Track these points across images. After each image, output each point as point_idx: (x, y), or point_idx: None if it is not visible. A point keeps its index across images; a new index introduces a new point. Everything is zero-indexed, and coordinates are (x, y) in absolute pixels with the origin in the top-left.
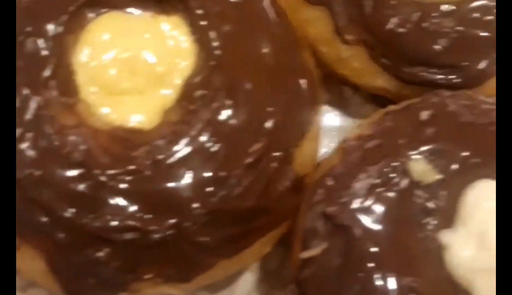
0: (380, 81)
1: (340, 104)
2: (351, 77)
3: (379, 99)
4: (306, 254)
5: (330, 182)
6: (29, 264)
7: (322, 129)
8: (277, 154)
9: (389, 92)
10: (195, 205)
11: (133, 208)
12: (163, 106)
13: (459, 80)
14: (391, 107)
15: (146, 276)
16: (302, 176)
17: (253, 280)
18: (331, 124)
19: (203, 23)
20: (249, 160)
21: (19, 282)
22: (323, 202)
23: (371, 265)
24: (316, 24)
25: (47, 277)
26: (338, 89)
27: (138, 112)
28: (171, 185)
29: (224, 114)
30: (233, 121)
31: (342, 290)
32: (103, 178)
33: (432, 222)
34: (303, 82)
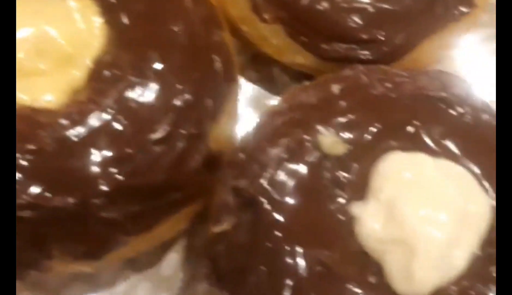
0: (299, 58)
1: (269, 83)
2: (274, 55)
3: (306, 77)
4: (217, 229)
5: (241, 157)
6: None
7: (251, 107)
8: (187, 130)
9: (310, 69)
10: (99, 181)
11: (35, 186)
12: (71, 87)
13: (375, 55)
14: (306, 83)
15: (55, 254)
16: (218, 152)
17: (178, 259)
18: (261, 102)
19: (113, 1)
20: (156, 136)
21: None
22: (234, 177)
23: (278, 235)
24: (235, 3)
25: None
26: (266, 68)
27: (47, 92)
28: (75, 162)
29: (132, 93)
30: (141, 100)
31: (252, 263)
32: None
33: (343, 194)
34: (217, 59)
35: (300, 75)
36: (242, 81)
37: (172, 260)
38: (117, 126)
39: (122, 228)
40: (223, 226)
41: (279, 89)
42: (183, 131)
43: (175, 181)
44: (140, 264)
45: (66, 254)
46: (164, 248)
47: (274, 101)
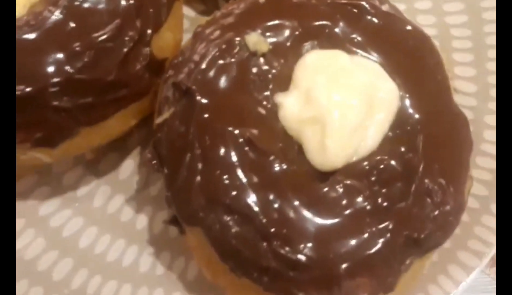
0: None
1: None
2: None
3: None
4: (159, 120)
5: (179, 59)
6: None
7: None
8: (131, 35)
9: None
10: (52, 73)
11: None
12: (30, 2)
13: None
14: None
15: (17, 139)
16: (161, 59)
17: (134, 165)
18: None
19: None
20: (102, 37)
21: None
22: (173, 76)
23: (207, 116)
24: None
25: None
26: (213, 1)
27: None
28: (32, 58)
29: (80, 1)
30: (88, 6)
31: (187, 143)
32: None
33: (268, 86)
34: None
35: None
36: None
37: (129, 166)
38: (68, 28)
39: (74, 117)
40: (164, 116)
41: None
42: (127, 35)
43: (122, 78)
44: (100, 170)
45: (26, 141)
46: (121, 155)
47: None
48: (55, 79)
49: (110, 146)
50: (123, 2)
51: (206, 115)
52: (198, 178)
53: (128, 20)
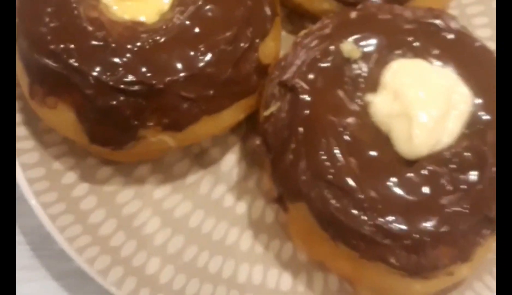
0: (326, 4)
1: (290, 28)
2: (305, 4)
3: None
4: (266, 112)
5: (283, 63)
6: (62, 118)
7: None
8: (244, 40)
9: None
10: (181, 68)
11: (139, 68)
12: (160, 10)
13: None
14: (330, 14)
15: (149, 123)
16: (265, 64)
17: (235, 158)
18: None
19: None
20: (222, 40)
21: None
22: (278, 76)
23: (308, 108)
24: None
25: (76, 128)
26: (300, 22)
27: (142, 13)
28: (164, 54)
29: (204, 10)
30: (210, 14)
31: (291, 133)
32: (118, 48)
33: (360, 87)
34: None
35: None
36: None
37: (230, 160)
38: (194, 32)
39: (198, 106)
40: (271, 109)
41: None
42: (241, 41)
43: (235, 76)
44: (205, 162)
45: (157, 124)
46: (223, 150)
47: None
48: (184, 74)
49: (214, 141)
50: (238, 14)
51: (308, 108)
52: (303, 160)
53: (242, 29)
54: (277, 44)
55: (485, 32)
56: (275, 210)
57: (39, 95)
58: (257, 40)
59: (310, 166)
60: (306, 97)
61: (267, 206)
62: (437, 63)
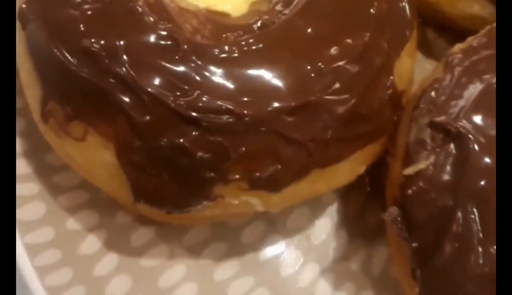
0: (476, 7)
1: (423, 46)
2: (444, 6)
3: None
4: (410, 169)
5: (434, 94)
6: (93, 158)
7: None
8: (379, 56)
9: (484, 23)
10: (288, 95)
11: (228, 88)
12: None
13: None
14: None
15: (232, 177)
16: (401, 91)
17: (331, 225)
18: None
19: None
20: (350, 54)
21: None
22: (429, 113)
23: (484, 178)
24: None
25: (113, 176)
26: (421, 31)
27: (226, 1)
28: (264, 70)
29: (320, 2)
30: (333, 9)
31: (456, 206)
32: (191, 53)
33: None
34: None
35: (457, 38)
36: None
37: (324, 227)
38: (306, 36)
39: (308, 153)
40: (419, 166)
41: (434, 53)
42: (373, 56)
43: (364, 109)
44: (288, 228)
45: (244, 179)
46: (314, 211)
47: (429, 65)
48: (291, 103)
49: None
50: (372, 11)
51: (484, 175)
52: (475, 253)
53: (376, 35)
54: (413, 61)
55: None
56: None
57: (59, 119)
58: (392, 55)
59: (486, 262)
60: (480, 155)
61: None
62: None
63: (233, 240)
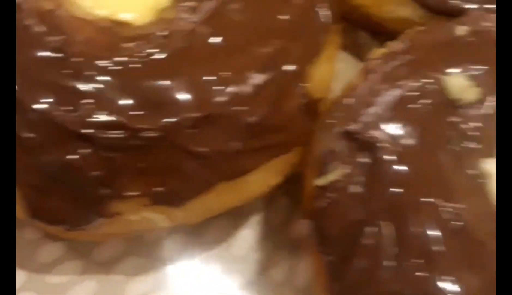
0: (404, 10)
1: (355, 50)
2: (371, 10)
3: None
4: (322, 180)
5: (350, 101)
6: None
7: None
8: (291, 61)
9: (413, 26)
10: (190, 106)
11: (122, 102)
12: (157, 3)
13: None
14: (419, 28)
15: (130, 194)
16: (316, 99)
17: (253, 236)
18: (343, 67)
19: None
20: (257, 62)
21: None
22: (342, 121)
23: (399, 189)
24: None
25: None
26: (353, 34)
27: (128, 8)
28: (165, 82)
29: (230, 8)
30: (241, 16)
31: (369, 219)
32: (84, 66)
33: (471, 147)
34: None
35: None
36: None
37: (246, 238)
38: (213, 45)
39: (212, 166)
40: (330, 176)
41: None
42: (284, 64)
43: (275, 120)
44: (208, 240)
45: (144, 195)
46: (236, 222)
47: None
48: (193, 114)
49: None
50: (282, 18)
51: (396, 182)
52: (385, 268)
53: (287, 42)
54: (332, 68)
55: None
56: None
57: None
58: (306, 62)
59: (397, 278)
60: (394, 165)
61: None
62: None
63: (149, 254)
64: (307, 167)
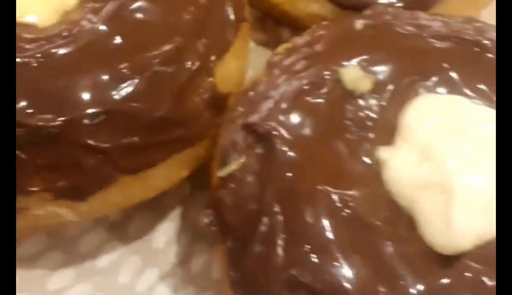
0: (315, 6)
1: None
2: (285, 6)
3: None
4: (223, 172)
5: (251, 95)
6: None
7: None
8: (191, 59)
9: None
10: (89, 102)
11: (22, 102)
12: (62, 6)
13: (401, 4)
14: (323, 22)
15: (33, 189)
16: (224, 94)
17: (173, 230)
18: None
19: None
20: (159, 59)
21: None
22: (244, 114)
23: (290, 174)
24: None
25: None
26: (276, 30)
27: (32, 10)
28: (63, 80)
29: (133, 7)
30: (140, 16)
31: (263, 208)
32: None
33: (367, 135)
34: None
35: None
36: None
37: (166, 232)
38: (112, 44)
39: (113, 162)
40: (230, 167)
41: None
42: (188, 59)
43: (177, 114)
44: (129, 235)
45: (46, 190)
46: (156, 216)
47: None
48: (92, 110)
49: (141, 204)
50: (186, 16)
51: (290, 170)
52: (279, 256)
53: (191, 40)
54: (243, 63)
55: None
56: None
57: None
58: (212, 58)
59: (290, 265)
60: (286, 152)
61: None
62: (484, 103)
63: (70, 248)
64: (213, 159)
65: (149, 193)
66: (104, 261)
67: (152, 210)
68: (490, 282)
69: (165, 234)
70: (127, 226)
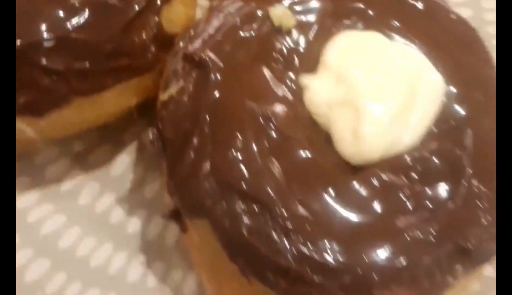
0: None
1: None
2: None
3: None
4: (164, 95)
5: (192, 32)
6: None
7: None
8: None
9: None
10: (45, 28)
11: None
12: None
13: None
14: None
15: None
16: (170, 33)
17: (129, 160)
18: None
19: None
20: None
21: None
22: (184, 48)
23: (219, 93)
24: None
25: None
26: None
27: None
28: (22, 6)
29: None
30: None
31: (196, 123)
32: None
33: (292, 66)
34: None
35: None
36: None
37: (123, 162)
38: None
39: (67, 82)
40: (170, 91)
41: None
42: (135, 1)
43: (124, 45)
44: (90, 163)
45: None
46: (115, 148)
47: None
48: (48, 35)
49: (102, 137)
50: None
51: (219, 90)
52: (207, 162)
53: None
54: (190, 9)
55: None
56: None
57: None
58: (158, 2)
59: (217, 169)
60: (218, 76)
61: (168, 225)
62: (399, 38)
63: (36, 174)
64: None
65: (102, 116)
66: (66, 185)
67: (112, 143)
68: (392, 176)
69: (122, 164)
70: (88, 156)
